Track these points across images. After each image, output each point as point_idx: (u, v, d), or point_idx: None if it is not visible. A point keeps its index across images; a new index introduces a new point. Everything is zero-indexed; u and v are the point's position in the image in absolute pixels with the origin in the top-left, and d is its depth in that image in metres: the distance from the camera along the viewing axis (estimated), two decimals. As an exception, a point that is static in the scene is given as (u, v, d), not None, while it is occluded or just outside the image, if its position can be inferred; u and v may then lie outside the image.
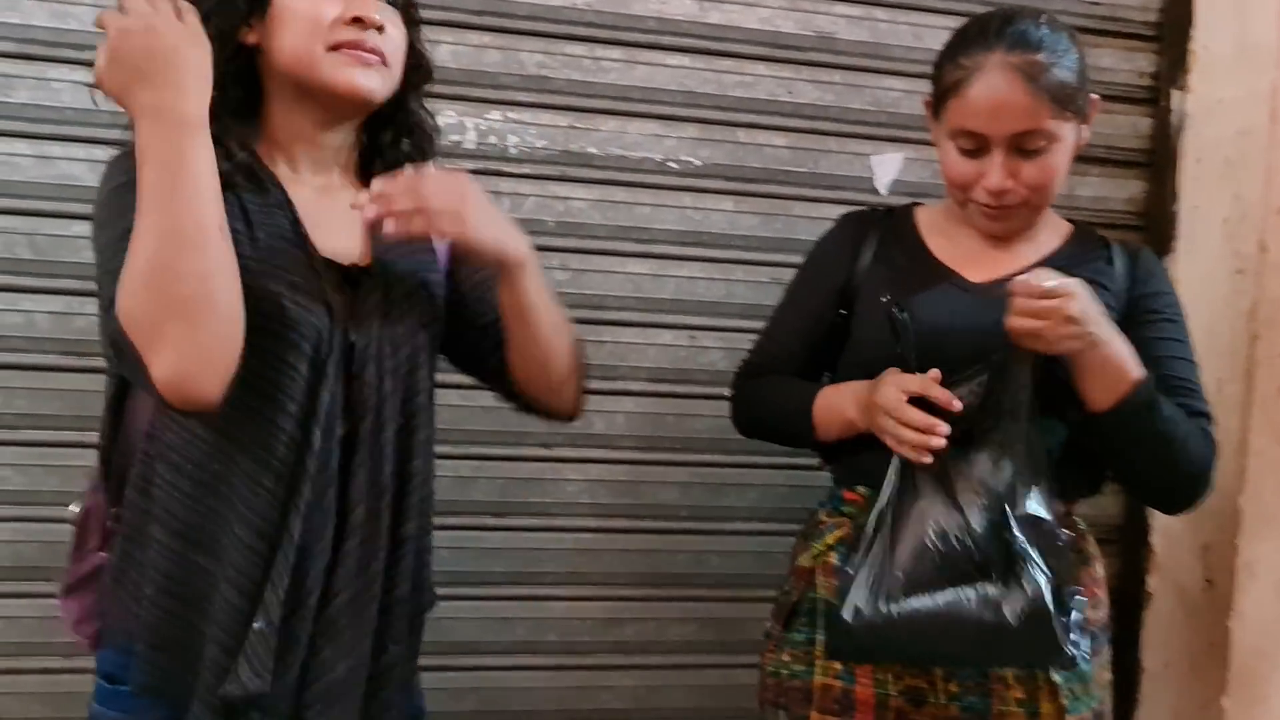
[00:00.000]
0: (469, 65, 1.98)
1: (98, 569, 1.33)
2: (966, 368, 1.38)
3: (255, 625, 1.21)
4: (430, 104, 1.42)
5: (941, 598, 1.35)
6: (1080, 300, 1.32)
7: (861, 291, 1.53)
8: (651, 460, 2.09)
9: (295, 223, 1.27)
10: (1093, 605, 1.48)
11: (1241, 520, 1.99)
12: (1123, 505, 2.26)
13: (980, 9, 1.54)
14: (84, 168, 1.85)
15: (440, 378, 1.39)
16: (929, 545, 1.37)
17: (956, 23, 1.51)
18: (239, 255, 1.16)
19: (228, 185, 1.19)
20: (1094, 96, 1.46)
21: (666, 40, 2.06)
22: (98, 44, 1.12)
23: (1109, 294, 1.46)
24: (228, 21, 1.25)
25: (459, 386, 1.43)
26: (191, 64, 1.12)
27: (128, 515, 1.28)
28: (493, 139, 2.01)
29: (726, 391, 1.66)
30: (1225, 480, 1.77)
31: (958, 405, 1.35)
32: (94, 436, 1.83)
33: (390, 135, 1.39)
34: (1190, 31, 2.19)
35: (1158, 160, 2.24)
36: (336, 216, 1.30)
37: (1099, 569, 1.53)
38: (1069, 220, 1.58)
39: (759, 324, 1.67)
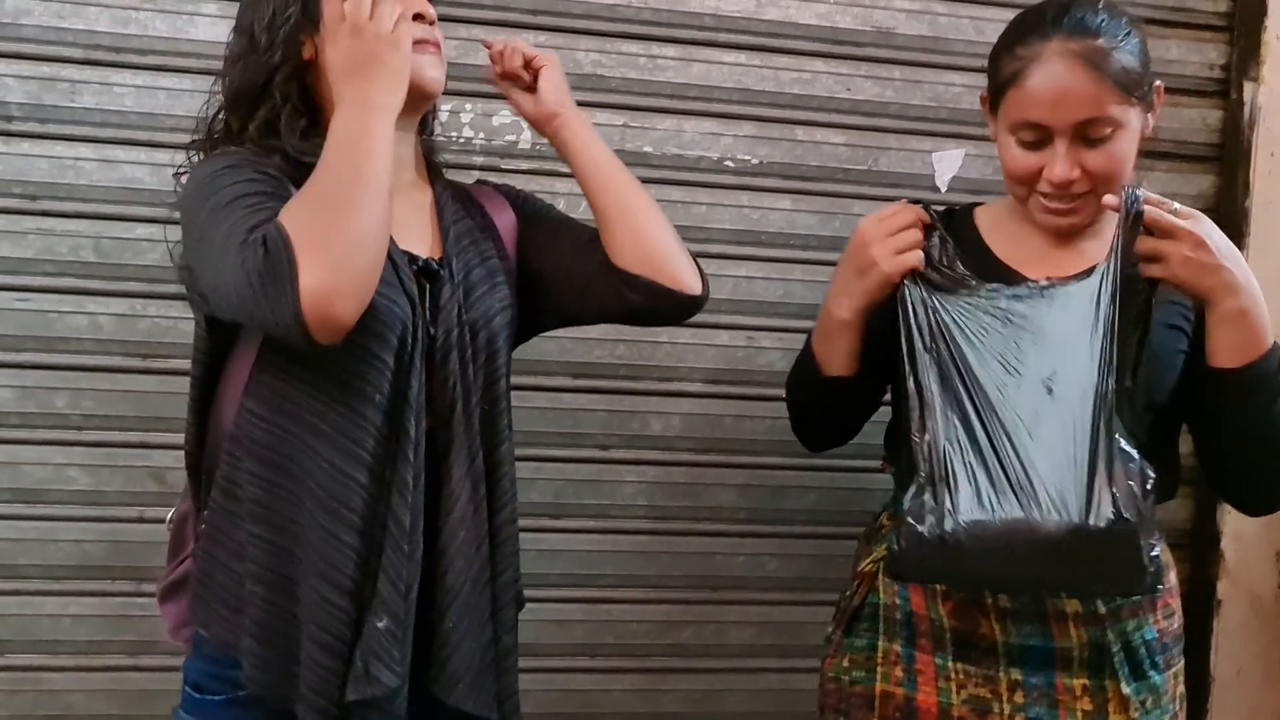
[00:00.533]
0: (524, 65, 1.99)
1: (189, 575, 1.35)
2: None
3: (379, 624, 1.23)
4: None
5: (1011, 508, 1.27)
6: (1214, 230, 1.30)
7: None
8: (709, 462, 2.08)
9: None
10: (1165, 614, 1.44)
11: (1315, 525, 1.94)
12: (1193, 510, 2.21)
13: (1038, -1, 1.51)
14: (147, 171, 1.87)
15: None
16: None
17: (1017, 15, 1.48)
18: None
19: None
20: (1158, 83, 1.42)
21: (723, 37, 2.05)
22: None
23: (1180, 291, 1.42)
24: (291, 37, 1.30)
25: (515, 389, 1.43)
26: (393, 66, 1.24)
27: (212, 518, 1.31)
28: (549, 139, 2.01)
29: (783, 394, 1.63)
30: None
31: (925, 216, 1.38)
32: (159, 437, 1.89)
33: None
34: (1264, 21, 2.13)
35: (1228, 154, 2.19)
36: (410, 213, 1.35)
37: (1172, 577, 1.48)
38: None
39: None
